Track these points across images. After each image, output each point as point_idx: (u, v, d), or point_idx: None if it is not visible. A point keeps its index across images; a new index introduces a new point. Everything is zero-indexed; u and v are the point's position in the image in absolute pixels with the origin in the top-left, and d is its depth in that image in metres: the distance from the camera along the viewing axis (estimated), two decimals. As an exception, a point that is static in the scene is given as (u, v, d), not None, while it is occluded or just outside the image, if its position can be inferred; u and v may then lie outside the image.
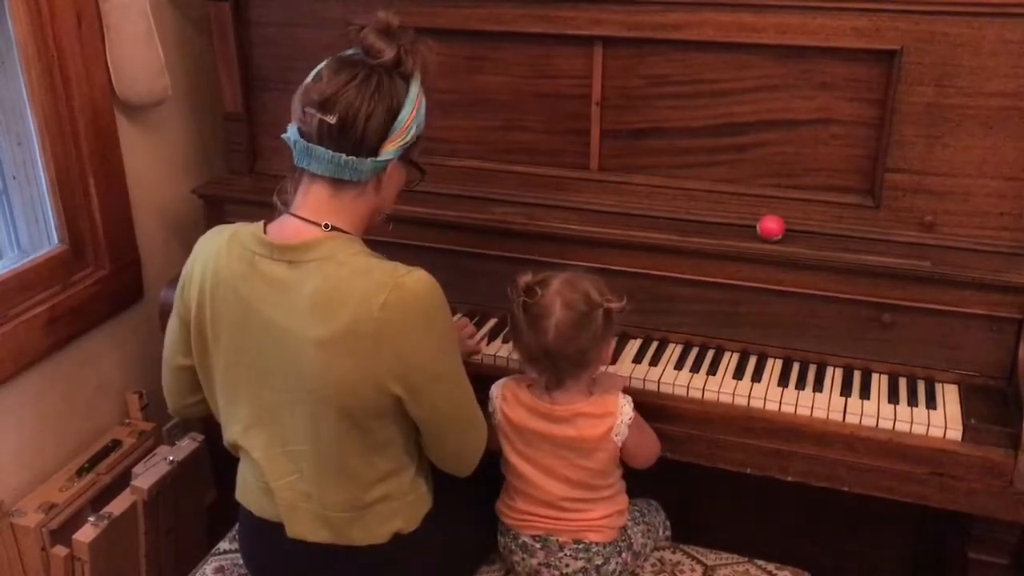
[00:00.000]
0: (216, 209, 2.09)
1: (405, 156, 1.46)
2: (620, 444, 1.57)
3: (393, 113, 1.39)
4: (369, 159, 1.38)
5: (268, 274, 1.39)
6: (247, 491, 1.55)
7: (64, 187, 1.99)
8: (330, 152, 1.37)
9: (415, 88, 1.42)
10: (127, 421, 2.19)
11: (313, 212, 1.42)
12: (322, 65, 1.41)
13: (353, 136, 1.37)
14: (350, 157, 1.37)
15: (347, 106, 1.36)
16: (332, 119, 1.36)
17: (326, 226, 1.41)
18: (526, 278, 1.54)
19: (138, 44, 2.04)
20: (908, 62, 1.64)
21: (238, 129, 2.11)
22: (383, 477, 1.46)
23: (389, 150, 1.40)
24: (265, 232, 1.43)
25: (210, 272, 1.44)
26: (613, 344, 1.63)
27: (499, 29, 1.85)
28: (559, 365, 1.54)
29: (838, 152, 1.76)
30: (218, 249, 1.44)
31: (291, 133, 1.41)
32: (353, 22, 1.47)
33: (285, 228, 1.42)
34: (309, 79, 1.41)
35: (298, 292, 1.37)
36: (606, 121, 1.87)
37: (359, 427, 1.40)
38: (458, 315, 1.91)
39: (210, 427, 1.90)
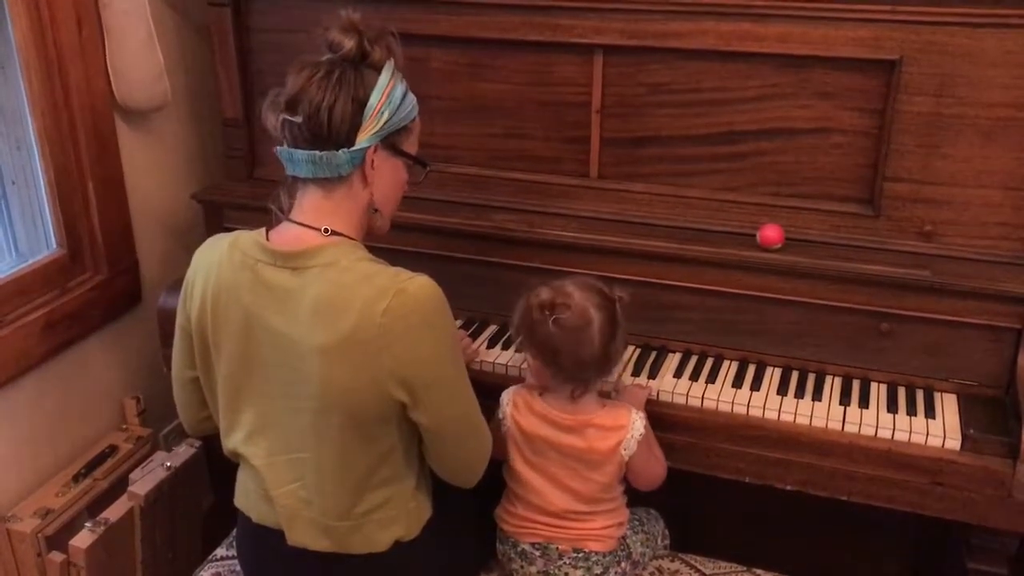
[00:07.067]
0: (215, 215, 2.08)
1: (392, 146, 1.44)
2: (628, 459, 1.57)
3: (360, 102, 1.37)
4: (343, 151, 1.38)
5: (271, 281, 1.39)
6: (246, 498, 1.54)
7: (63, 192, 1.99)
8: (306, 152, 1.38)
9: (386, 76, 1.40)
10: (124, 426, 2.19)
11: (311, 217, 1.42)
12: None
13: (321, 130, 1.37)
14: (324, 152, 1.37)
15: (309, 102, 1.36)
16: (299, 119, 1.36)
17: (326, 230, 1.41)
18: (545, 296, 1.52)
19: (138, 49, 2.04)
20: (908, 72, 1.64)
21: (237, 135, 2.11)
22: (384, 484, 1.46)
23: (363, 139, 1.39)
24: (267, 239, 1.42)
25: (212, 281, 1.43)
26: None
27: (500, 37, 1.85)
28: (591, 376, 1.54)
29: (838, 161, 1.76)
30: (219, 257, 1.43)
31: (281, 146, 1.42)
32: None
33: (286, 235, 1.42)
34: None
35: (301, 299, 1.36)
36: (606, 129, 1.87)
37: (362, 434, 1.40)
38: (458, 322, 1.91)
39: (208, 433, 1.89)
